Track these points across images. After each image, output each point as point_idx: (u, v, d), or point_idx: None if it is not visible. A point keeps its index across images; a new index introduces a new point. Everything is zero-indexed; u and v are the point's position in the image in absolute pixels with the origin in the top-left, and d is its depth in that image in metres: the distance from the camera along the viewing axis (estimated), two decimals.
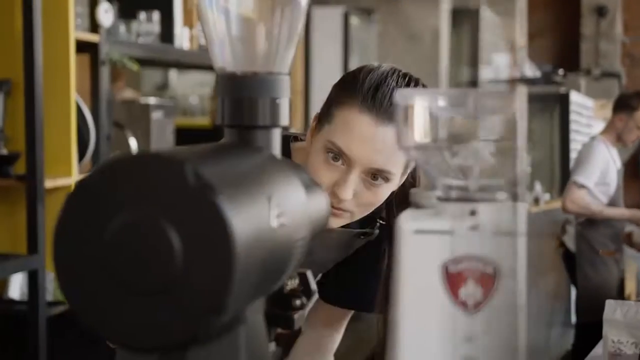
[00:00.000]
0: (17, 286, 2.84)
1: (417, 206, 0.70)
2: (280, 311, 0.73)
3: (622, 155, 4.80)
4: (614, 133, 4.31)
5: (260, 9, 0.73)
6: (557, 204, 4.91)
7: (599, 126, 8.08)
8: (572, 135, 6.90)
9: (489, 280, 0.61)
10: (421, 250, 0.62)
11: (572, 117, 6.98)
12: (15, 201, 2.71)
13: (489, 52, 7.09)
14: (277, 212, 0.63)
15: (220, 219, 0.55)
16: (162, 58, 3.72)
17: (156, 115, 3.45)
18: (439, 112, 0.63)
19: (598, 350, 1.99)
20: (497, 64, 5.96)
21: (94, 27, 2.96)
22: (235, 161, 0.65)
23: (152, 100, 3.64)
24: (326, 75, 6.32)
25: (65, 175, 2.75)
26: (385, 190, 1.25)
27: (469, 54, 7.23)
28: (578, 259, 4.50)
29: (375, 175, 1.22)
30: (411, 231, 0.62)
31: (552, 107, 6.97)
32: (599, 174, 4.24)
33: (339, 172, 1.22)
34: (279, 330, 0.74)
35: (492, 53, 6.02)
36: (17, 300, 2.84)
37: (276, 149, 0.74)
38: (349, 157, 1.21)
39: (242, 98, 0.73)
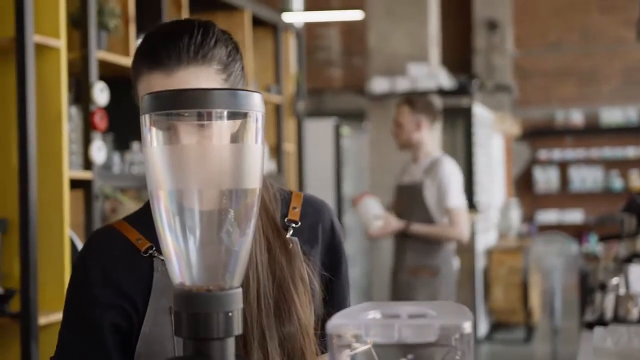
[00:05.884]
0: None
1: None
2: None
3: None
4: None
5: (211, 236, 0.81)
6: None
7: (497, 138, 8.26)
8: (474, 148, 7.25)
9: None
10: None
11: (474, 129, 7.28)
12: (10, 339, 2.75)
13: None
14: None
15: None
16: None
17: None
18: (368, 338, 0.70)
19: None
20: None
21: (88, 163, 3.06)
22: None
23: None
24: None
25: (59, 310, 2.79)
26: None
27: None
28: (391, 281, 4.12)
29: None
30: None
31: (455, 120, 7.26)
32: None
33: None
34: None
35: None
36: None
37: (230, 356, 0.81)
38: None
39: (197, 313, 0.80)
